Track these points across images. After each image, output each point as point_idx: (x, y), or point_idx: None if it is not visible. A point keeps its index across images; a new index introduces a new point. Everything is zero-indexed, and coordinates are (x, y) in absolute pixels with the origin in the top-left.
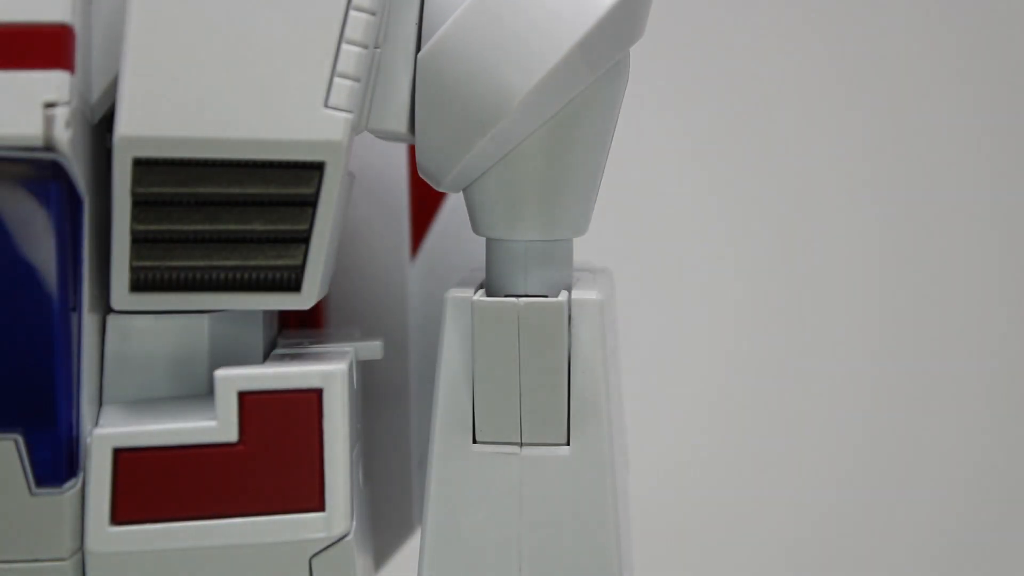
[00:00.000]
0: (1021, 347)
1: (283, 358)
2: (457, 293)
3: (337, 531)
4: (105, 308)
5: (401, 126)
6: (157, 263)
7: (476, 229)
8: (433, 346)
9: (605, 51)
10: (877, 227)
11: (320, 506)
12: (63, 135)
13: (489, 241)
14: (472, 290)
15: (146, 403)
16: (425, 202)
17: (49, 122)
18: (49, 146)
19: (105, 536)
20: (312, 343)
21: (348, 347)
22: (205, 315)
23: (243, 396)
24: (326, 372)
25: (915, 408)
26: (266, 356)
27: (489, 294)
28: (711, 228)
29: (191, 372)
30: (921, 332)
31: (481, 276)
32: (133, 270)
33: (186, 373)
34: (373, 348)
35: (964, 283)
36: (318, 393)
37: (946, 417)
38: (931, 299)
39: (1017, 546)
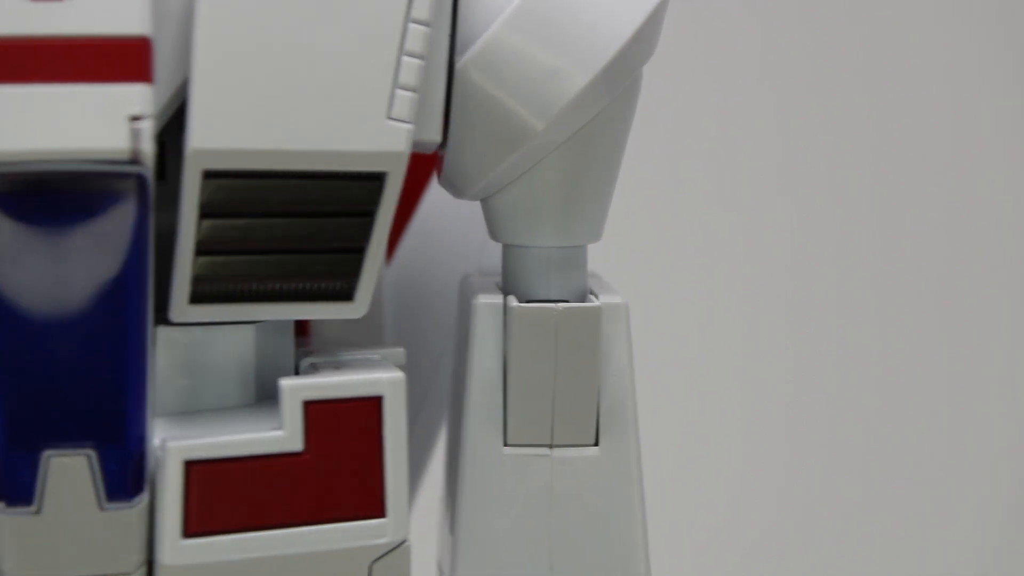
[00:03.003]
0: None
1: (327, 367)
2: (486, 299)
3: (398, 536)
4: (156, 320)
5: (436, 135)
6: (218, 275)
7: (496, 236)
8: (411, 354)
9: (630, 68)
10: (874, 231)
11: (381, 512)
12: (149, 148)
13: (510, 247)
14: (499, 296)
15: (196, 415)
16: (399, 207)
17: (136, 135)
18: (135, 159)
19: (178, 549)
20: (338, 352)
21: (376, 354)
22: (251, 325)
23: (308, 405)
24: (387, 379)
25: (918, 412)
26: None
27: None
28: (703, 233)
29: (237, 382)
30: (922, 336)
31: (485, 281)
32: (194, 282)
33: (232, 383)
34: (397, 355)
35: (967, 284)
36: (378, 400)
37: (950, 418)
38: (929, 302)
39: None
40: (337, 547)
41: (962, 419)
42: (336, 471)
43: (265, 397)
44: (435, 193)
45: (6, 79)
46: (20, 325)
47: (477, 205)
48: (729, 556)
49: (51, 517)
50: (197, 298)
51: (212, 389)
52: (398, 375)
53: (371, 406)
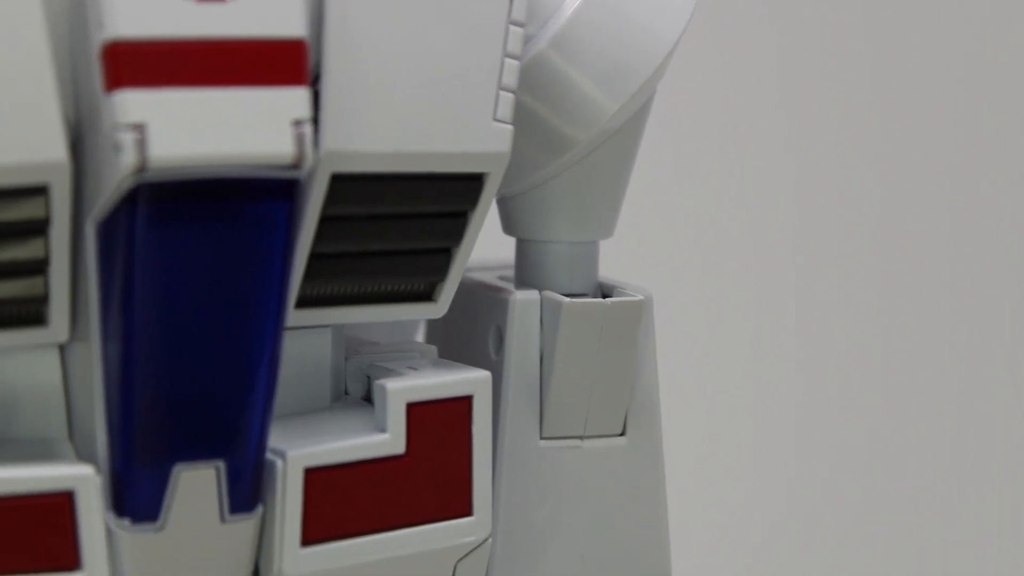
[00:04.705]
0: None
1: (393, 367)
2: (524, 295)
3: (482, 534)
4: None
5: None
6: (327, 278)
7: (512, 231)
8: None
9: (654, 85)
10: (884, 233)
11: (469, 511)
12: (311, 153)
13: (526, 242)
14: (534, 292)
15: (284, 420)
16: None
17: (300, 140)
18: (298, 164)
19: (298, 558)
20: (375, 351)
21: (413, 352)
22: (328, 328)
23: (410, 407)
24: (476, 379)
25: (925, 411)
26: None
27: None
28: (713, 230)
29: (315, 385)
30: (931, 331)
31: (487, 275)
32: (303, 287)
33: (310, 386)
34: (430, 351)
35: (982, 281)
36: (469, 400)
37: (959, 416)
38: (937, 298)
39: None
40: (430, 548)
41: (970, 419)
42: (431, 472)
43: (335, 399)
44: None
45: (169, 82)
46: (155, 336)
47: None
48: (742, 547)
49: (173, 533)
50: (302, 302)
51: (292, 393)
52: (486, 374)
53: (463, 405)
